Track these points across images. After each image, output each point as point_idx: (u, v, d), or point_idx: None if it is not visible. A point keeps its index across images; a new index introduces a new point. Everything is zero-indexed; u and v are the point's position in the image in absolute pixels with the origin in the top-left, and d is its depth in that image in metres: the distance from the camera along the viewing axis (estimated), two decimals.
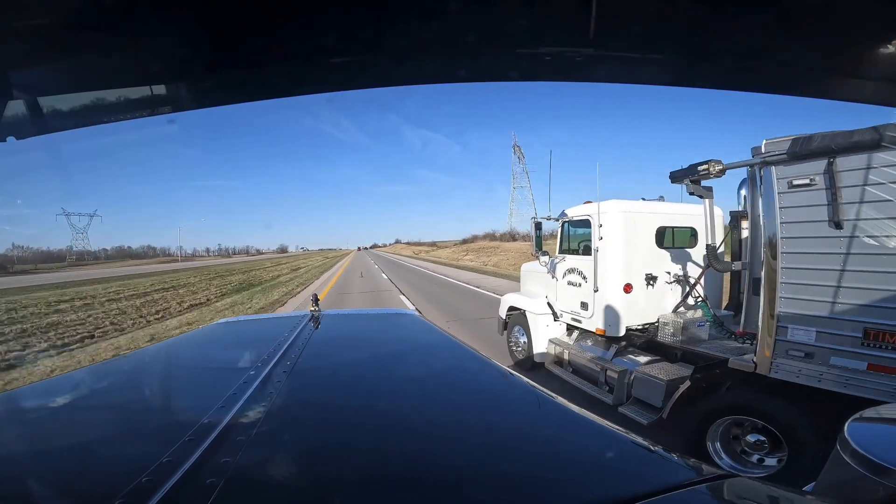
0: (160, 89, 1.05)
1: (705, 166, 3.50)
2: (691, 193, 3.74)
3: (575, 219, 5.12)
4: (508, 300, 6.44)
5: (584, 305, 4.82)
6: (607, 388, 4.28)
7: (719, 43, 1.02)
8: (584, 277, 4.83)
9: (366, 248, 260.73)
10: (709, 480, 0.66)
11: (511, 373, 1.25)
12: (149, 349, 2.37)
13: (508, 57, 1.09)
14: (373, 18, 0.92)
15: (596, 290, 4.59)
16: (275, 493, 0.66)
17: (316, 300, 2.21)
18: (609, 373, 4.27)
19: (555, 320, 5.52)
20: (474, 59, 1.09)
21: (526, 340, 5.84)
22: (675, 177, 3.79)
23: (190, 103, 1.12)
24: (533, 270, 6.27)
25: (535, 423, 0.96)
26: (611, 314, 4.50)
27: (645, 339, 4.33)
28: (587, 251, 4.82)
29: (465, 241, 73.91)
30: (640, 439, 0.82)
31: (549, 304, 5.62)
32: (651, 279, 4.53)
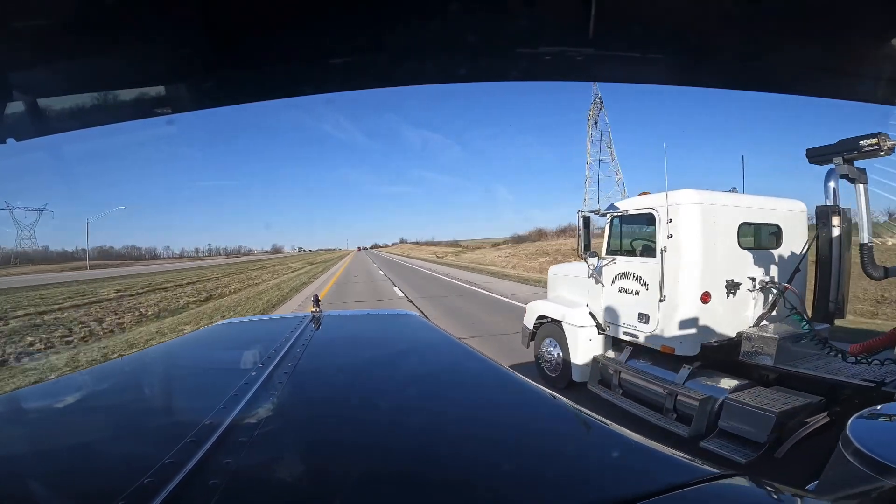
0: (160, 90, 1.05)
1: (873, 141, 2.71)
2: (843, 176, 2.96)
3: (631, 213, 4.29)
4: (537, 308, 5.48)
5: (644, 317, 3.99)
6: (674, 414, 3.56)
7: (719, 42, 1.01)
8: (644, 284, 4.01)
9: (366, 249, 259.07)
10: (711, 479, 0.66)
11: (512, 373, 1.25)
12: (150, 350, 2.37)
13: (508, 56, 1.09)
14: (373, 18, 0.91)
15: (662, 300, 3.77)
16: (277, 493, 0.66)
17: (317, 301, 2.21)
18: (681, 398, 3.53)
19: (599, 333, 4.66)
20: (474, 58, 1.09)
21: (560, 354, 4.97)
22: (818, 154, 3.03)
23: (190, 104, 1.12)
24: (566, 274, 5.54)
25: (537, 423, 0.96)
26: (683, 329, 3.69)
27: (722, 358, 3.62)
28: (648, 252, 4.08)
29: (518, 240, 53.70)
30: (641, 438, 0.82)
31: (591, 314, 4.74)
32: (732, 287, 3.71)
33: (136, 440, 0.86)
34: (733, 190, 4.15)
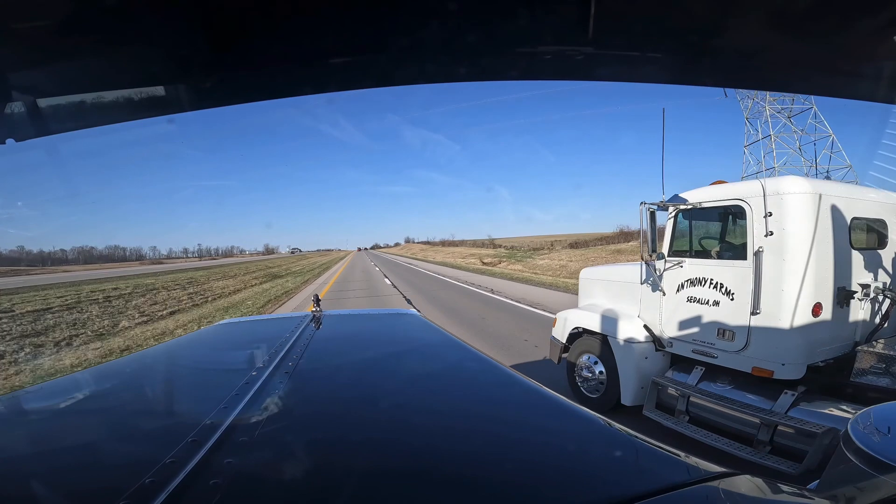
0: (159, 91, 1.04)
1: None
2: None
3: (706, 206, 3.58)
4: (572, 319, 4.73)
5: (726, 333, 3.32)
6: (769, 447, 2.95)
7: (719, 41, 1.01)
8: (727, 293, 3.33)
9: (366, 249, 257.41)
10: (712, 479, 0.66)
11: (513, 372, 1.25)
12: (150, 351, 2.37)
13: (508, 56, 1.09)
14: (372, 19, 0.91)
15: (756, 313, 3.12)
16: (278, 493, 0.66)
17: (317, 300, 2.21)
18: (784, 430, 2.92)
19: (657, 350, 3.94)
20: (474, 58, 1.09)
21: (604, 373, 4.24)
22: None
23: (189, 105, 1.12)
24: (605, 278, 4.76)
25: (538, 422, 0.96)
26: (785, 348, 3.03)
27: (828, 381, 3.07)
28: (734, 254, 3.43)
29: (578, 241, 41.55)
30: (643, 437, 0.82)
31: (645, 327, 4.02)
32: (845, 296, 3.07)
33: (138, 440, 0.87)
34: (827, 177, 3.35)
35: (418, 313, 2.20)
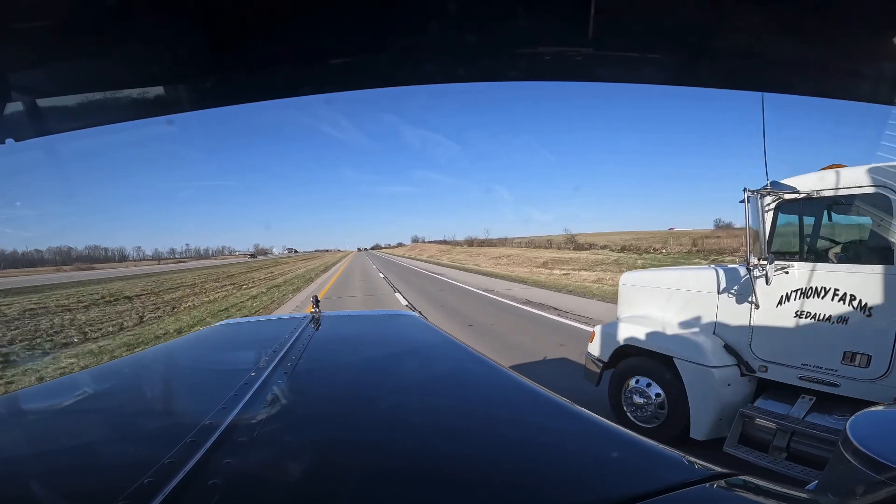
0: (159, 91, 1.05)
1: None
2: None
3: (825, 195, 2.87)
4: (618, 334, 3.88)
5: (857, 357, 2.68)
6: None
7: (718, 42, 1.02)
8: (861, 306, 2.65)
9: (366, 250, 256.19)
10: (711, 479, 0.66)
11: (512, 373, 1.25)
12: (149, 351, 2.37)
13: (507, 57, 1.09)
14: (372, 19, 0.92)
15: None
16: (277, 493, 0.66)
17: (316, 301, 2.21)
18: None
19: (743, 375, 3.24)
20: (474, 58, 1.09)
21: (663, 398, 3.48)
22: None
23: (189, 105, 1.12)
24: (660, 285, 3.88)
25: (537, 422, 0.96)
26: None
27: None
28: (874, 256, 2.73)
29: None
30: (642, 438, 0.83)
31: (726, 346, 3.27)
32: None
33: (137, 440, 0.87)
34: None
35: (417, 314, 2.20)
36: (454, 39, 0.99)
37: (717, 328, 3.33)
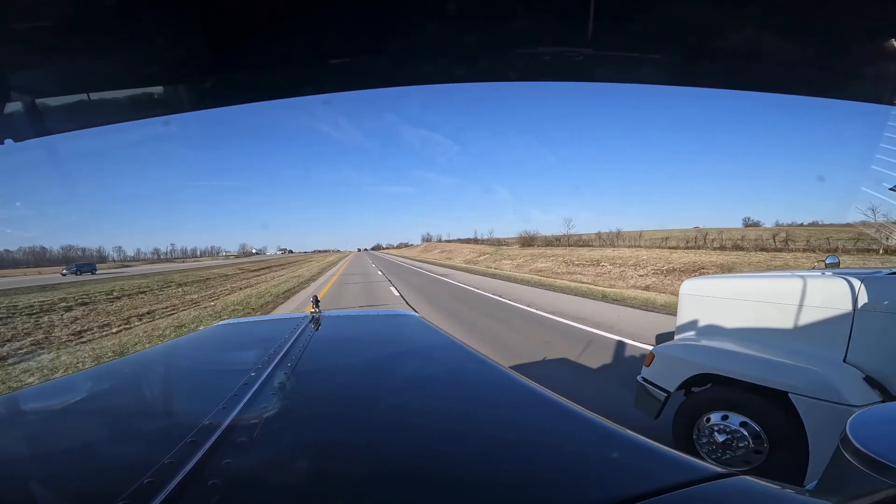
0: (158, 91, 1.05)
1: None
2: None
3: None
4: (699, 357, 2.96)
5: None
6: None
7: (718, 42, 1.02)
8: None
9: (366, 250, 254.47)
10: (711, 479, 0.66)
11: (512, 373, 1.25)
12: (149, 351, 2.37)
13: (507, 57, 1.09)
14: (372, 19, 0.92)
15: None
16: (277, 493, 0.66)
17: (316, 301, 2.21)
18: None
19: None
20: (473, 59, 1.09)
21: (764, 440, 2.64)
22: None
23: (188, 105, 1.12)
24: (746, 297, 3.02)
25: (538, 422, 0.96)
26: None
27: None
28: None
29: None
30: (642, 438, 0.82)
31: (868, 378, 2.46)
32: None
33: (136, 440, 0.86)
34: None
35: (417, 314, 2.20)
36: (454, 39, 0.98)
37: (849, 354, 2.53)
